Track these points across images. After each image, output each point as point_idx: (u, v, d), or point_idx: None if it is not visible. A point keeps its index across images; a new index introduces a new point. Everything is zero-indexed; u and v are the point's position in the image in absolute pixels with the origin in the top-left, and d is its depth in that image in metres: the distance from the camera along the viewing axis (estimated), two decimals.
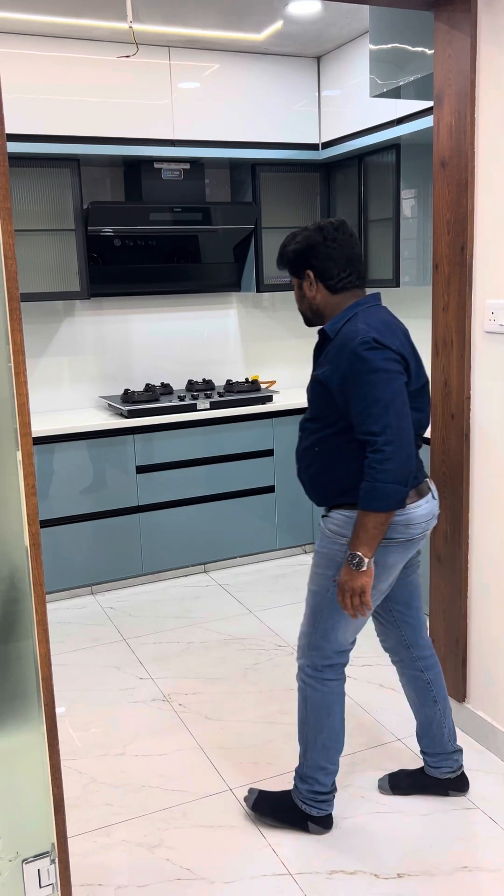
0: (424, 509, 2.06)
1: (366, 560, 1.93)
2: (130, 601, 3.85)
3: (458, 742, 2.39)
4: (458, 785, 2.36)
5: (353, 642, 2.19)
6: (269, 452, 4.19)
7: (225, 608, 3.73)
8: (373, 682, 3.01)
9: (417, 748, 2.46)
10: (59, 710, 2.58)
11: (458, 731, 2.63)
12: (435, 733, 2.32)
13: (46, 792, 1.49)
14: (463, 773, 2.37)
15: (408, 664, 2.31)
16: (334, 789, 2.23)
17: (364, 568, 1.94)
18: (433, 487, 2.15)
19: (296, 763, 2.28)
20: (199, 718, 2.80)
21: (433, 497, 2.12)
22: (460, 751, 2.37)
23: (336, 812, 2.26)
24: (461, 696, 2.66)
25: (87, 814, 2.33)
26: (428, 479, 2.14)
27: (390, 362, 1.91)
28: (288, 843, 2.18)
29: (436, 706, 2.30)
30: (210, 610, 3.71)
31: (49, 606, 3.79)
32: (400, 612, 2.27)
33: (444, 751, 2.33)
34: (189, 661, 3.22)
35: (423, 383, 2.08)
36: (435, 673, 2.31)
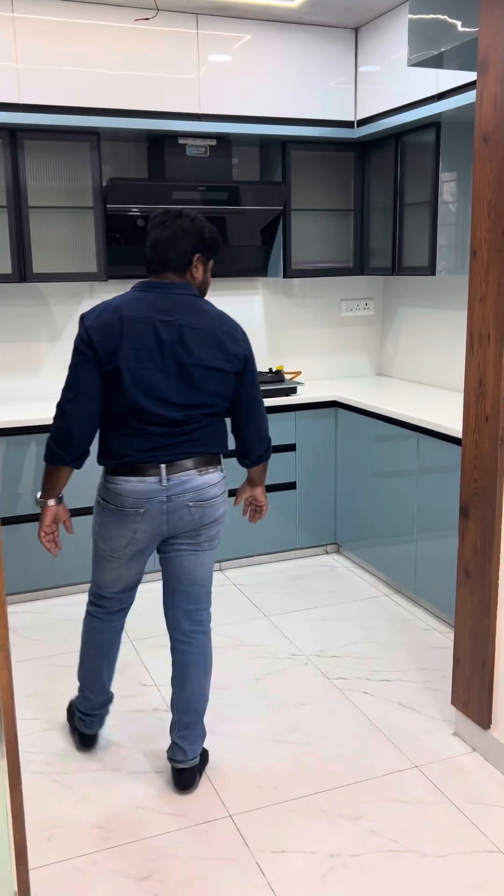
0: (135, 486, 2.20)
1: (41, 500, 2.25)
2: (140, 599, 3.65)
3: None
4: (174, 778, 2.35)
5: (120, 592, 2.43)
6: (292, 447, 3.98)
7: (239, 611, 3.54)
8: (391, 699, 2.80)
9: (439, 777, 2.25)
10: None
11: (481, 758, 2.42)
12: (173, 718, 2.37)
13: (6, 839, 1.32)
14: (180, 770, 2.33)
15: (170, 639, 2.45)
16: (93, 716, 2.49)
17: (41, 507, 2.26)
18: (175, 476, 2.22)
19: (304, 787, 2.11)
20: None
21: (162, 482, 2.20)
22: (182, 749, 2.32)
23: (341, 847, 2.07)
24: (486, 723, 2.44)
25: (73, 838, 2.16)
26: (165, 466, 2.21)
27: (79, 341, 2.16)
28: (284, 875, 1.99)
29: (179, 692, 2.38)
30: (223, 612, 3.52)
31: (56, 602, 3.63)
32: (164, 591, 2.44)
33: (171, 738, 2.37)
34: None
35: (130, 367, 2.13)
36: (183, 661, 2.40)
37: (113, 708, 2.78)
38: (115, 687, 2.90)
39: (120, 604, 2.46)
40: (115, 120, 3.58)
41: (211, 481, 2.28)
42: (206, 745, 2.49)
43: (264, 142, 4.09)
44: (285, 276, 4.11)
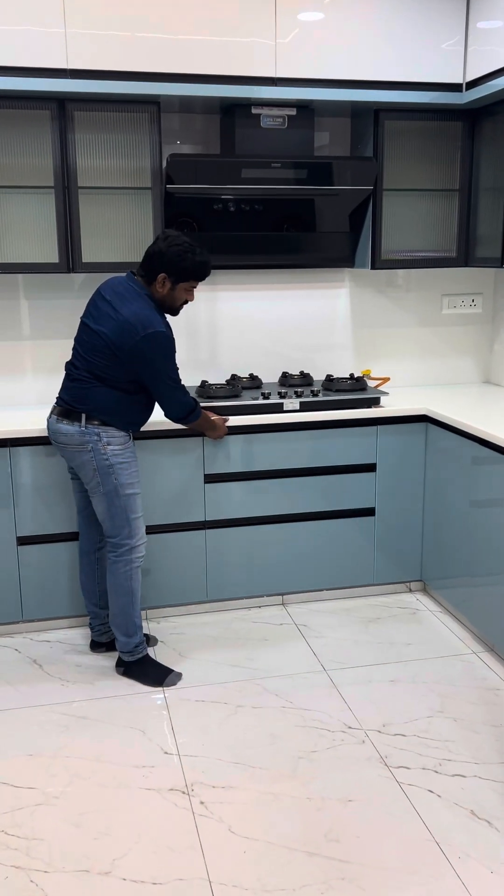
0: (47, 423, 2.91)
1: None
2: (186, 633, 3.24)
3: None
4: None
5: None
6: (371, 467, 3.42)
7: (294, 660, 3.03)
8: (463, 804, 2.23)
9: None
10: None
11: None
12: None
13: None
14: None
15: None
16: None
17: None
18: (56, 415, 2.85)
19: None
20: (221, 830, 2.14)
21: (51, 419, 2.87)
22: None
23: None
24: None
25: None
26: (56, 407, 2.86)
27: None
28: None
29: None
30: (276, 660, 3.02)
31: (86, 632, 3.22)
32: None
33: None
34: (231, 735, 2.56)
35: (84, 324, 2.81)
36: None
37: (125, 780, 2.35)
38: (136, 751, 2.47)
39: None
40: (177, 86, 3.11)
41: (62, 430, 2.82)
42: (224, 850, 2.01)
43: (353, 110, 3.51)
44: (374, 266, 3.54)
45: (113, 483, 2.77)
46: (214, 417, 3.08)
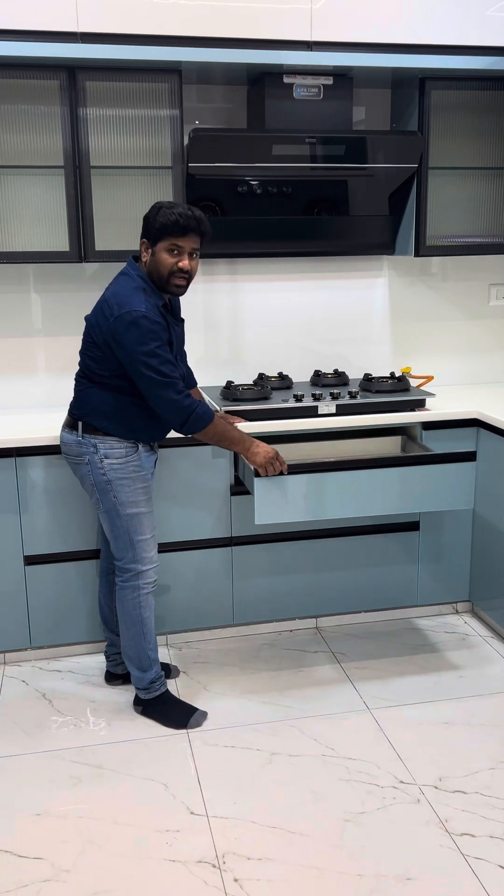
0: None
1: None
2: (211, 662, 2.92)
3: None
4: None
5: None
6: None
7: (333, 696, 2.71)
8: None
9: None
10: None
11: None
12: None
13: None
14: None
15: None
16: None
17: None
18: (64, 422, 2.58)
19: None
20: None
21: (63, 431, 2.56)
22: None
23: None
24: None
25: None
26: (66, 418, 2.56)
27: None
28: None
29: None
30: (312, 696, 2.70)
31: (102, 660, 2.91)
32: None
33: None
34: (266, 791, 2.24)
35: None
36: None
37: (145, 848, 2.04)
38: (158, 811, 2.16)
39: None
40: (200, 52, 2.76)
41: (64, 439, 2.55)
42: None
43: (395, 80, 3.15)
44: (418, 253, 3.19)
45: (111, 501, 2.47)
46: (260, 443, 2.50)
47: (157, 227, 2.35)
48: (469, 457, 2.66)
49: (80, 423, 2.46)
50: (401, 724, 2.54)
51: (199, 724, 2.54)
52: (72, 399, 2.54)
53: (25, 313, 3.19)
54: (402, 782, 2.26)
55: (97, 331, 2.38)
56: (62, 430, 2.55)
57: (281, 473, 2.51)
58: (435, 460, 2.66)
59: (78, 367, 2.52)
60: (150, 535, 2.54)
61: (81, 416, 2.46)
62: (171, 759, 2.38)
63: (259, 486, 2.52)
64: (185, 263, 2.37)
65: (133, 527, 2.49)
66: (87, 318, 2.47)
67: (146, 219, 2.40)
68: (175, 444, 2.80)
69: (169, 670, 2.82)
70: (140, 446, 2.49)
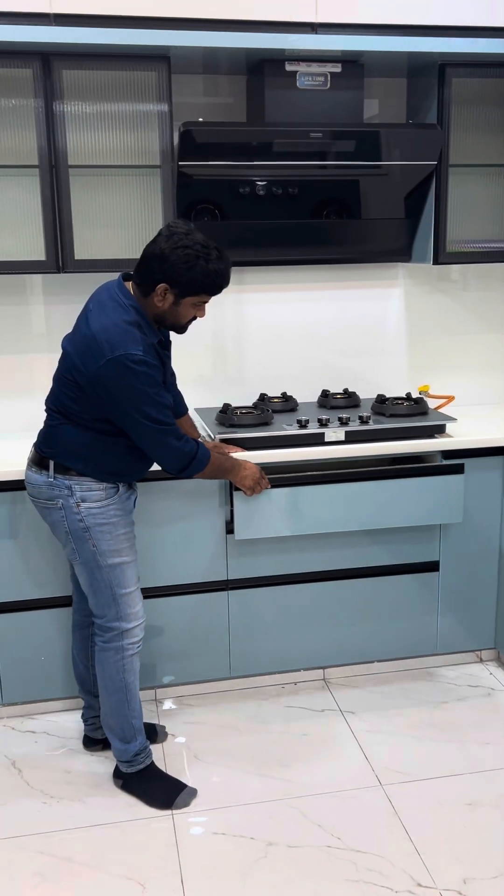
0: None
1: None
2: (204, 724, 2.60)
3: None
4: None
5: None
6: None
7: (341, 768, 2.37)
8: None
9: None
10: None
11: None
12: None
13: None
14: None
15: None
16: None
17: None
18: (28, 459, 2.23)
19: None
20: None
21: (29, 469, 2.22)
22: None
23: None
24: None
25: None
26: (31, 449, 2.22)
27: None
28: None
29: None
30: (317, 768, 2.37)
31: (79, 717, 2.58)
32: None
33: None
34: (262, 893, 1.91)
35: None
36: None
37: None
38: None
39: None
40: (191, 35, 2.45)
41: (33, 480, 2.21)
42: None
43: (411, 66, 2.82)
44: (437, 261, 2.85)
45: (90, 551, 2.15)
46: (246, 464, 2.39)
47: (195, 281, 2.03)
48: (458, 469, 2.65)
49: (50, 463, 2.14)
50: (418, 804, 2.20)
51: (186, 804, 2.21)
52: (41, 431, 2.22)
53: (23, 327, 2.88)
54: (419, 885, 1.93)
55: (80, 373, 2.04)
56: (28, 469, 2.23)
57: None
58: (421, 473, 2.65)
59: (49, 395, 2.20)
60: (134, 587, 2.22)
61: (54, 455, 2.15)
62: (152, 851, 2.06)
63: (238, 501, 2.48)
64: (203, 313, 2.15)
65: (116, 579, 2.17)
66: (65, 347, 2.13)
67: (173, 263, 2.01)
68: (161, 476, 2.48)
69: (155, 733, 2.51)
70: (120, 486, 2.18)
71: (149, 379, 2.02)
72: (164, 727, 2.56)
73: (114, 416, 2.06)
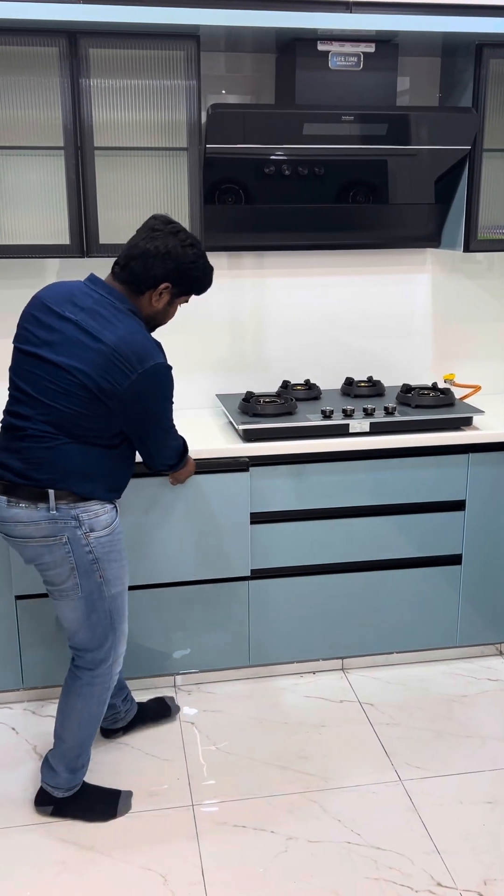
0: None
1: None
2: (223, 711, 2.61)
3: None
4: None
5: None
6: (459, 505, 2.72)
7: (361, 760, 2.38)
8: None
9: None
10: None
11: None
12: None
13: None
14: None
15: None
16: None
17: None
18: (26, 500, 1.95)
19: None
20: None
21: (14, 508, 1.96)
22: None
23: None
24: None
25: None
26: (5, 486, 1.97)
27: None
28: None
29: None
30: (337, 759, 2.38)
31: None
32: None
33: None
34: (280, 891, 1.92)
35: (32, 354, 1.93)
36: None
37: None
38: None
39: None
40: (221, 14, 2.38)
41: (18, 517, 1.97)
42: None
43: (448, 45, 2.73)
44: (468, 248, 2.79)
45: (96, 583, 2.01)
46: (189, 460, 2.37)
47: (196, 280, 2.03)
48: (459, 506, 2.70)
49: (49, 493, 1.93)
50: (437, 801, 2.21)
51: (128, 810, 2.15)
52: (13, 459, 1.96)
53: None
54: (439, 885, 1.93)
55: (102, 387, 1.88)
56: (13, 509, 1.95)
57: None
58: (417, 510, 2.69)
59: (23, 418, 1.94)
60: (126, 610, 2.15)
61: (52, 482, 1.93)
62: (174, 843, 2.07)
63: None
64: (175, 312, 2.14)
65: (116, 608, 2.07)
66: (66, 364, 1.88)
67: (181, 261, 1.97)
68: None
69: (168, 707, 2.53)
70: (117, 505, 2.11)
71: (171, 386, 2.01)
72: (172, 699, 2.58)
73: (135, 426, 1.98)
